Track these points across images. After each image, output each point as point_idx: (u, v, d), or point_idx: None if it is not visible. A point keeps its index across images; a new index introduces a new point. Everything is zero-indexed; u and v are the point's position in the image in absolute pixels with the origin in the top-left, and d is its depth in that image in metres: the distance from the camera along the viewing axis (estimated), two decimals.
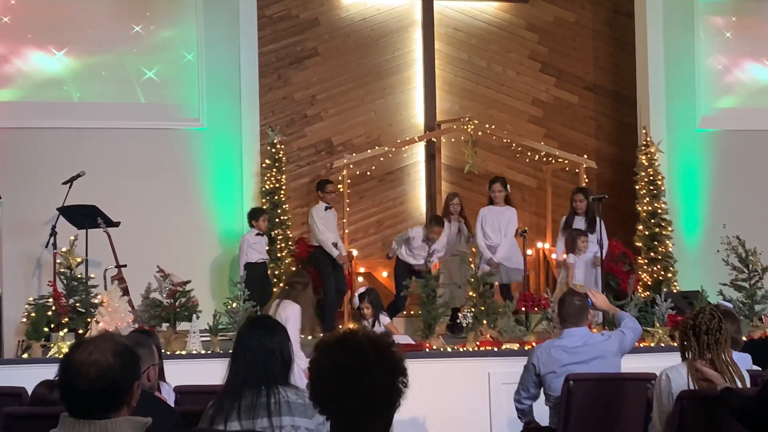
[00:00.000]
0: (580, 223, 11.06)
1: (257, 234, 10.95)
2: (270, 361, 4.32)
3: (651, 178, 12.15)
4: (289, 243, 11.53)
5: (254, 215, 11.04)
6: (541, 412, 7.02)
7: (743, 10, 13.12)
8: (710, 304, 6.91)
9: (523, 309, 10.16)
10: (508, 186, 11.54)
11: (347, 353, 2.74)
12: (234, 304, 9.21)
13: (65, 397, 2.94)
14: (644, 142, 12.31)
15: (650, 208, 12.08)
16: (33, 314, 9.23)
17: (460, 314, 9.92)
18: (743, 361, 5.91)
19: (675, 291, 11.35)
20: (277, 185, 11.57)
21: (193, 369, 8.25)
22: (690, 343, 5.47)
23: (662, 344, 9.29)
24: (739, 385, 5.45)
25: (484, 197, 12.50)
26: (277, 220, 11.45)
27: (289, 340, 4.47)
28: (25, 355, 8.91)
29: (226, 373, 4.39)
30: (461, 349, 9.18)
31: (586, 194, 11.23)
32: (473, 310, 9.51)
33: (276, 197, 11.53)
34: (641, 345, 9.22)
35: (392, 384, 2.74)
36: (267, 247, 11.10)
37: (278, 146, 11.68)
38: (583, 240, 11.09)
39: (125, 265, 10.36)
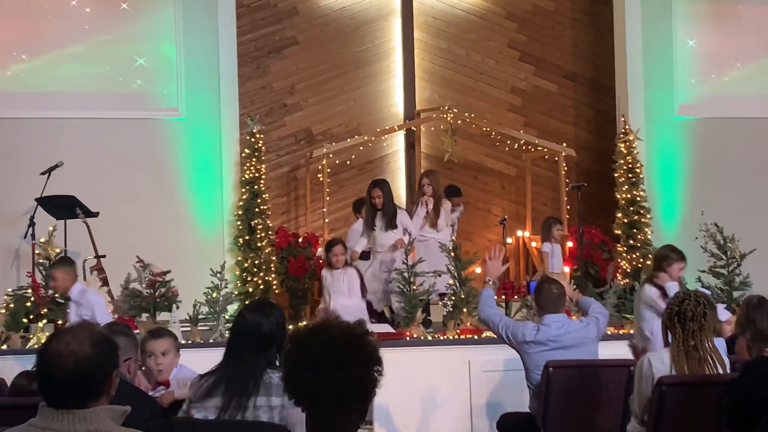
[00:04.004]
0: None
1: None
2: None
3: (630, 166, 12.18)
4: (269, 232, 11.50)
5: (359, 207, 11.34)
6: (523, 398, 7.07)
7: None
8: (692, 291, 6.97)
9: (503, 297, 10.19)
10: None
11: (320, 347, 2.73)
12: (214, 294, 9.20)
13: (43, 388, 2.93)
14: (623, 130, 12.34)
15: (629, 195, 12.12)
16: (12, 305, 9.20)
17: (440, 302, 9.93)
18: (720, 347, 5.95)
19: None
20: (256, 175, 11.52)
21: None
22: (675, 330, 5.51)
23: None
24: (720, 371, 5.49)
25: (464, 186, 12.53)
26: (256, 209, 11.42)
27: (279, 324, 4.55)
28: (4, 346, 8.87)
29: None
30: (441, 338, 9.20)
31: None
32: (453, 298, 9.52)
33: (256, 187, 11.49)
34: (620, 332, 9.28)
35: (367, 375, 2.73)
36: None
37: (257, 136, 11.63)
38: (558, 228, 11.14)
39: (104, 256, 10.32)
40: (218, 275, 9.34)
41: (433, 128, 12.81)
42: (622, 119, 12.50)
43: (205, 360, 8.42)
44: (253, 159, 11.53)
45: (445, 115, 12.27)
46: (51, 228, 9.63)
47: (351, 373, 2.70)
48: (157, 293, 9.31)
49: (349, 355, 2.71)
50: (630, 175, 12.16)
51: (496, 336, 6.94)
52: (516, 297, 10.31)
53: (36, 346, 8.28)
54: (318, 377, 2.69)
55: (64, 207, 10.29)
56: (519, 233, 12.76)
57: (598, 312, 6.91)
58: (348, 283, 9.83)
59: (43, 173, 10.58)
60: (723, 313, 7.27)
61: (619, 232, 12.16)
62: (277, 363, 4.47)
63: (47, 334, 7.97)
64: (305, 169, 12.61)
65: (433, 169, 12.01)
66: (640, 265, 11.81)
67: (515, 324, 6.85)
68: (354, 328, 2.78)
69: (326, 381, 2.68)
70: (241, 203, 11.48)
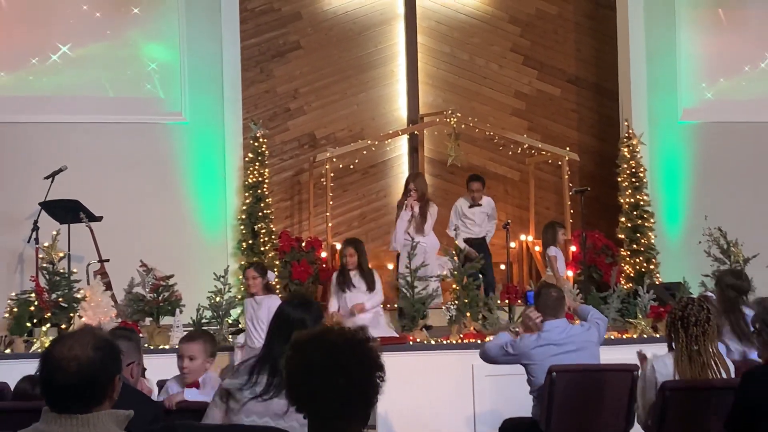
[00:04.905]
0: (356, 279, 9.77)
1: None
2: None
3: (633, 170, 12.17)
4: (273, 236, 11.51)
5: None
6: (526, 404, 7.06)
7: (724, 2, 13.16)
8: (700, 295, 6.98)
9: (507, 301, 10.18)
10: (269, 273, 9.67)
11: (322, 352, 2.71)
12: (217, 298, 9.20)
13: (46, 392, 2.93)
14: (626, 135, 12.33)
15: (632, 200, 12.11)
16: (15, 309, 9.20)
17: (443, 306, 9.92)
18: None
19: (657, 282, 11.39)
20: (260, 179, 11.53)
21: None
22: (678, 335, 5.50)
23: (645, 335, 9.33)
24: (725, 376, 5.49)
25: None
26: (260, 213, 11.43)
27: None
28: (7, 351, 8.88)
29: None
30: (445, 342, 9.19)
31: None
32: (456, 302, 9.51)
33: (259, 191, 11.50)
34: (624, 336, 9.27)
35: (369, 381, 2.71)
36: None
37: (261, 140, 11.65)
38: (563, 233, 11.18)
39: (108, 260, 10.33)
40: (221, 279, 9.34)
41: (436, 132, 12.81)
42: (626, 123, 12.50)
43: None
44: (257, 163, 11.55)
45: (448, 120, 12.28)
46: (54, 232, 9.62)
47: (352, 379, 2.68)
48: (160, 297, 9.32)
49: (351, 361, 2.69)
50: (633, 180, 12.16)
51: (502, 363, 6.90)
52: (519, 302, 10.29)
53: (39, 351, 8.28)
54: (319, 383, 2.68)
55: (67, 211, 10.30)
56: (522, 237, 12.75)
57: (597, 318, 6.94)
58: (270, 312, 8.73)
59: (46, 177, 10.59)
60: None
61: (623, 236, 12.14)
62: None
63: (51, 338, 7.99)
64: (309, 173, 12.62)
65: (419, 173, 12.05)
66: (643, 270, 11.80)
67: (515, 340, 6.85)
68: (356, 334, 2.77)
69: (327, 386, 2.67)
70: (244, 207, 11.49)
